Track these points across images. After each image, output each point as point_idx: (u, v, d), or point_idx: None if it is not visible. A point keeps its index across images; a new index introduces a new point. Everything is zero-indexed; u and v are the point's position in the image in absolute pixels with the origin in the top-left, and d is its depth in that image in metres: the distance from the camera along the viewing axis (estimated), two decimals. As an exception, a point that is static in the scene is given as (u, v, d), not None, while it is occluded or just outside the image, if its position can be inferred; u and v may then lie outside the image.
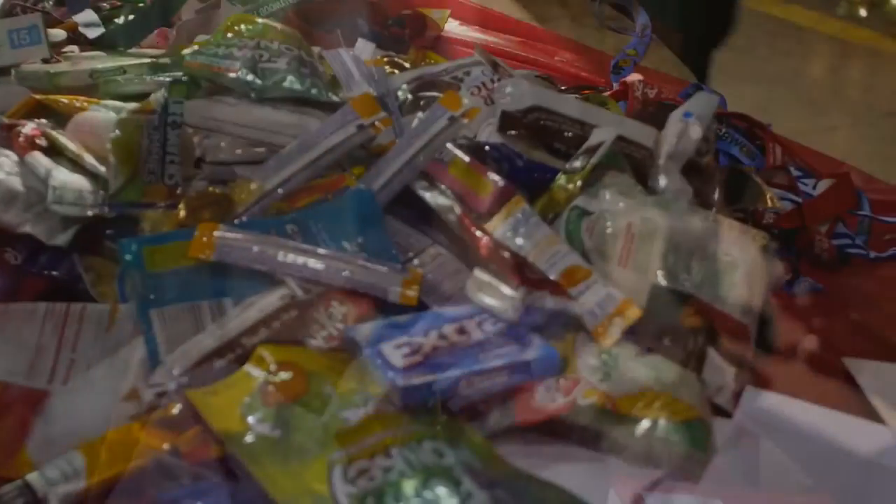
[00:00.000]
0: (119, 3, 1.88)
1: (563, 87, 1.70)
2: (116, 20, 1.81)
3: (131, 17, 1.81)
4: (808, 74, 5.33)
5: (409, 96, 1.35)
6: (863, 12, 4.93)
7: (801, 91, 4.98)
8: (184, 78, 1.25)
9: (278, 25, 1.40)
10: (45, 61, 1.54)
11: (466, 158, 1.20)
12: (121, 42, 1.65)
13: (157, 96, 1.22)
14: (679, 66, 2.02)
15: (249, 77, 1.27)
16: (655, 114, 1.51)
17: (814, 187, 1.46)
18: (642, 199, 1.17)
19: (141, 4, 1.85)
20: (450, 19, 1.99)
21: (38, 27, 1.54)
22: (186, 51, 1.35)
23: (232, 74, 1.28)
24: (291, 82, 1.27)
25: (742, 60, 5.05)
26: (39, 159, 1.22)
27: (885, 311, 1.32)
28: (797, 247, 1.38)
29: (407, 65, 1.46)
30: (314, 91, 1.27)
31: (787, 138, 1.73)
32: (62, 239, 1.15)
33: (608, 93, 1.60)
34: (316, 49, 1.47)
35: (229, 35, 1.37)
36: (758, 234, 1.18)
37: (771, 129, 1.68)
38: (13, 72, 1.49)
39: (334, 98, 1.27)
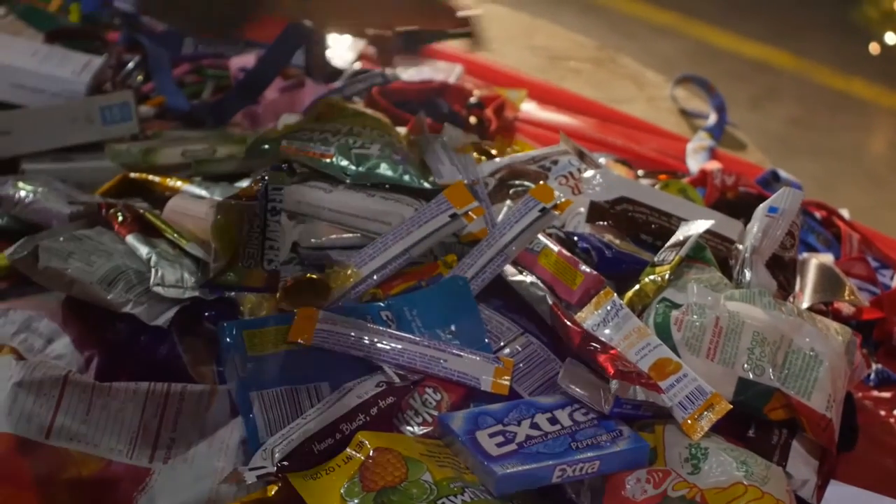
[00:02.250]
0: (201, 79, 1.92)
1: (640, 173, 1.73)
2: (202, 95, 1.86)
3: (217, 95, 1.85)
4: (870, 148, 5.34)
5: (497, 183, 1.38)
6: (924, 87, 4.94)
7: (863, 165, 4.99)
8: (283, 166, 1.28)
9: (368, 111, 1.43)
10: (135, 137, 1.58)
11: (556, 249, 1.23)
12: (209, 120, 1.69)
13: (258, 183, 1.25)
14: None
15: (344, 163, 1.31)
16: (735, 203, 1.54)
17: (892, 278, 1.48)
18: (729, 293, 1.19)
19: (225, 81, 1.89)
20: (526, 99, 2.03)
21: (130, 104, 1.58)
22: (283, 135, 1.38)
23: (327, 160, 1.32)
24: (385, 169, 1.30)
25: (803, 134, 5.08)
26: (140, 241, 1.25)
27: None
28: (876, 337, 1.40)
29: (493, 151, 1.48)
30: (406, 178, 1.30)
31: (862, 225, 1.75)
32: (163, 320, 1.17)
33: (687, 179, 1.62)
34: (402, 131, 1.51)
35: (321, 120, 1.41)
36: (840, 329, 1.20)
37: (846, 218, 1.70)
38: (106, 148, 1.52)
39: (426, 185, 1.30)
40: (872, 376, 1.37)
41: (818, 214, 1.68)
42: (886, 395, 1.36)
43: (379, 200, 1.28)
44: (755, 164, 1.95)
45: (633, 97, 2.15)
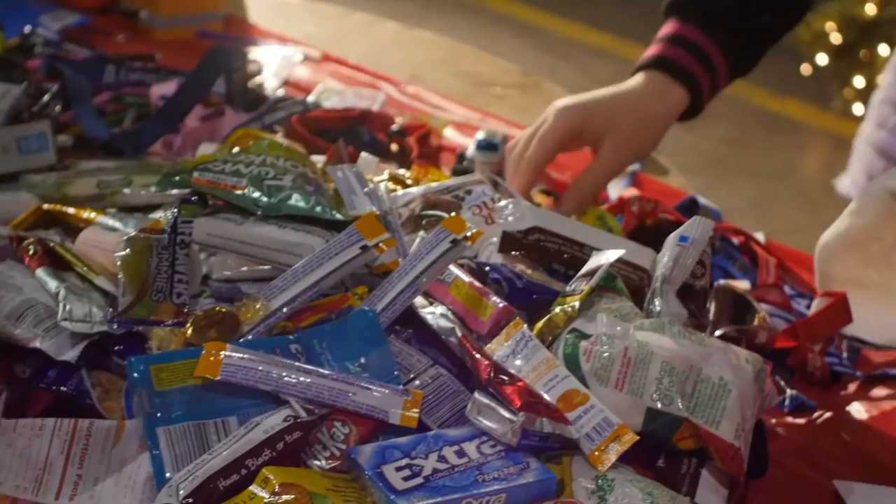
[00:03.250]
0: (122, 107, 1.91)
1: (561, 200, 1.74)
2: (122, 124, 1.85)
3: (137, 123, 1.84)
4: (803, 169, 5.39)
5: (414, 213, 1.38)
6: (856, 108, 4.99)
7: (797, 186, 5.04)
8: (193, 198, 1.27)
9: (283, 141, 1.43)
10: (52, 168, 1.57)
11: (467, 279, 1.23)
12: (127, 149, 1.68)
13: (167, 215, 1.25)
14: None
15: (256, 194, 1.30)
16: (652, 230, 1.54)
17: (807, 306, 1.49)
18: (639, 322, 1.19)
19: (146, 109, 1.89)
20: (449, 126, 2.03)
21: (46, 134, 1.57)
22: (195, 167, 1.37)
23: (238, 192, 1.31)
24: (297, 200, 1.30)
25: (738, 155, 5.12)
26: (49, 274, 1.25)
27: (874, 432, 1.34)
28: (790, 365, 1.41)
29: (409, 180, 1.49)
30: (318, 209, 1.30)
31: (787, 247, 1.77)
32: (71, 355, 1.17)
33: (605, 206, 1.63)
34: (318, 161, 1.51)
35: (235, 150, 1.40)
36: (750, 357, 1.21)
37: (762, 242, 1.71)
38: (21, 179, 1.51)
39: (338, 216, 1.30)
40: (787, 402, 1.38)
41: (736, 240, 1.69)
42: (800, 421, 1.37)
43: (290, 232, 1.28)
44: (678, 189, 1.96)
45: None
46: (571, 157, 1.96)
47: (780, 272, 1.63)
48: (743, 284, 1.56)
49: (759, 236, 1.72)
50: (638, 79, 1.67)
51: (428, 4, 6.36)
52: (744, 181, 4.82)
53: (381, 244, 1.23)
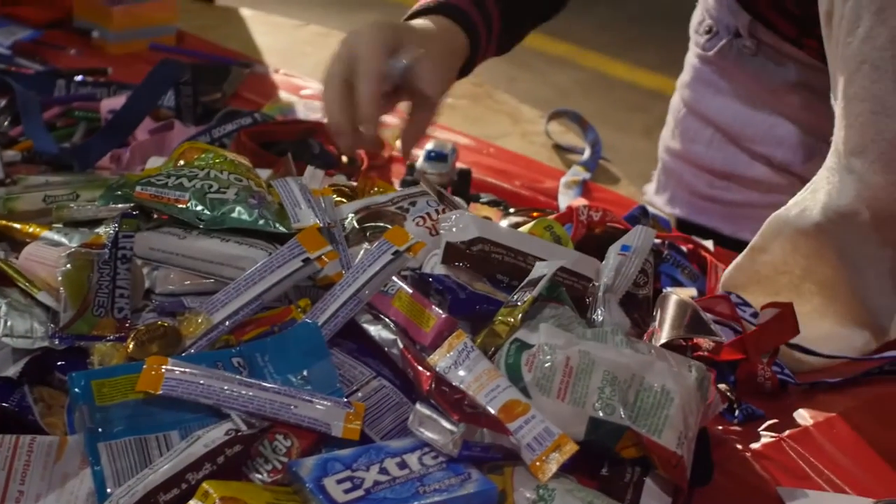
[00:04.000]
0: (73, 122, 1.91)
1: (511, 210, 1.74)
2: (72, 139, 1.85)
3: (87, 137, 1.84)
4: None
5: (356, 225, 1.38)
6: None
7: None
8: (134, 212, 1.27)
9: (228, 155, 1.43)
10: (0, 182, 1.57)
11: (410, 291, 1.24)
12: (75, 164, 1.67)
13: (108, 230, 1.25)
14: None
15: (198, 208, 1.30)
16: (600, 239, 1.55)
17: (753, 314, 1.49)
18: (581, 331, 1.20)
19: (96, 123, 1.89)
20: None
21: (-6, 150, 1.56)
22: (138, 181, 1.37)
23: (181, 205, 1.31)
24: (239, 213, 1.30)
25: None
26: (-10, 290, 1.25)
27: (818, 439, 1.35)
28: (738, 376, 1.41)
29: (349, 191, 1.49)
30: (261, 222, 1.30)
31: (733, 252, 1.77)
32: (12, 371, 1.17)
33: (554, 216, 1.63)
34: (264, 174, 1.50)
35: (181, 163, 1.40)
36: (694, 365, 1.21)
37: (713, 250, 1.72)
38: (-34, 195, 1.51)
39: (281, 229, 1.30)
40: (738, 414, 1.38)
41: (685, 248, 1.70)
42: (745, 428, 1.37)
43: (233, 245, 1.28)
44: (629, 199, 1.97)
45: (508, 132, 2.17)
46: (524, 169, 1.97)
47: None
48: (690, 292, 1.57)
49: (709, 244, 1.73)
50: (424, 20, 1.67)
51: (385, 16, 6.36)
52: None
53: (323, 256, 1.23)
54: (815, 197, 1.46)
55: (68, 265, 1.22)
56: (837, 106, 1.43)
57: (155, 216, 1.34)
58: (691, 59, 2.05)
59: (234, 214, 1.30)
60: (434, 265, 1.32)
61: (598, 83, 5.75)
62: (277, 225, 1.31)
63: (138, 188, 1.35)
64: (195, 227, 1.30)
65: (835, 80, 1.44)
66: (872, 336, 1.51)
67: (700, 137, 2.03)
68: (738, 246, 1.64)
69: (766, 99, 1.92)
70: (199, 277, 1.28)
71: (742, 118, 1.96)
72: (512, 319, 1.21)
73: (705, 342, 1.40)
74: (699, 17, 2.01)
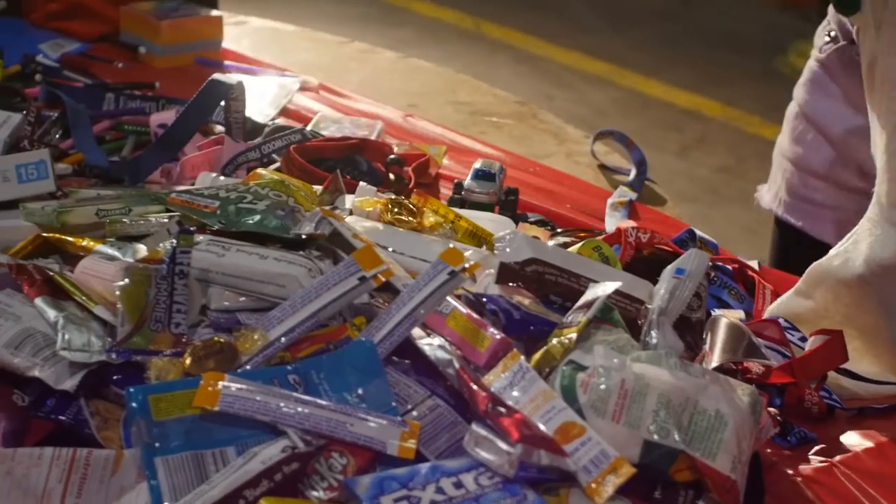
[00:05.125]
0: (121, 135, 1.92)
1: (559, 230, 1.74)
2: (121, 152, 1.86)
3: (136, 151, 1.86)
4: (797, 198, 5.38)
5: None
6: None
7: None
8: (191, 228, 1.28)
9: (286, 179, 1.45)
10: (52, 196, 1.58)
11: (465, 311, 1.24)
12: (126, 178, 1.69)
13: (166, 245, 1.25)
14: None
15: (223, 212, 1.36)
16: (648, 260, 1.55)
17: (802, 339, 1.49)
18: (635, 354, 1.20)
19: (145, 137, 1.90)
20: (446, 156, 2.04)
21: (46, 162, 1.57)
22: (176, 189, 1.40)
23: (208, 210, 1.36)
24: (256, 218, 1.36)
25: (733, 182, 5.13)
26: (48, 303, 1.25)
27: (869, 463, 1.35)
28: (785, 400, 1.41)
29: (412, 207, 1.50)
30: (272, 224, 1.36)
31: (778, 271, 1.78)
32: (69, 384, 1.17)
33: (602, 237, 1.64)
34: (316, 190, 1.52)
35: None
36: (746, 389, 1.21)
37: (760, 270, 1.72)
38: (21, 207, 1.52)
39: (287, 235, 1.36)
40: (792, 438, 1.38)
41: (730, 268, 1.70)
42: (796, 452, 1.37)
43: (272, 263, 1.29)
44: (675, 219, 1.97)
45: (553, 152, 2.17)
46: (570, 188, 1.98)
47: (775, 300, 1.63)
48: (738, 314, 1.56)
49: (753, 264, 1.73)
50: None
51: (424, 32, 6.38)
52: (738, 209, 4.82)
53: (378, 275, 1.24)
54: (857, 248, 1.46)
55: (126, 280, 1.23)
56: (879, 159, 1.43)
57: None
58: (811, 61, 2.06)
59: (252, 220, 1.32)
60: (488, 285, 1.33)
61: (635, 102, 5.73)
62: (291, 231, 1.36)
63: (173, 194, 1.40)
64: (232, 244, 1.31)
65: (876, 133, 1.44)
66: None
67: (804, 137, 2.05)
68: (806, 256, 1.64)
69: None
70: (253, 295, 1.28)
71: (844, 123, 1.97)
72: (567, 341, 1.21)
73: (755, 366, 1.40)
74: (825, 22, 2.03)
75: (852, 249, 1.47)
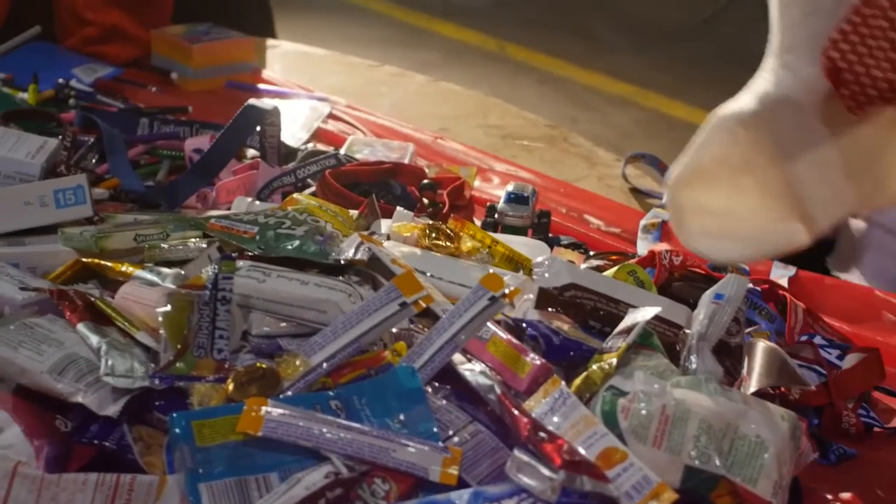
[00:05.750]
0: (156, 160, 1.94)
1: (591, 253, 1.75)
2: (156, 177, 1.87)
3: (171, 175, 1.87)
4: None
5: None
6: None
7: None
8: (233, 254, 1.29)
9: (315, 202, 1.46)
10: (89, 220, 1.59)
11: (505, 337, 1.25)
12: (163, 203, 1.70)
13: (208, 271, 1.26)
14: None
15: (261, 238, 1.38)
16: (682, 284, 1.56)
17: (839, 357, 1.49)
18: (675, 379, 1.20)
19: (180, 161, 1.91)
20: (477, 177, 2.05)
21: (84, 187, 1.58)
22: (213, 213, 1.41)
23: (248, 236, 1.39)
24: (295, 243, 1.37)
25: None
26: (90, 329, 1.26)
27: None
28: (824, 421, 1.41)
29: (450, 232, 1.51)
30: (311, 250, 1.37)
31: (811, 273, 1.78)
32: (113, 409, 1.18)
33: (636, 260, 1.64)
34: (353, 215, 1.53)
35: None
36: (786, 414, 1.22)
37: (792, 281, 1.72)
38: (59, 232, 1.53)
39: (327, 260, 1.37)
40: (831, 456, 1.38)
41: (759, 289, 1.70)
42: (835, 476, 1.37)
43: (313, 288, 1.29)
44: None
45: (585, 175, 2.18)
46: (602, 211, 1.98)
47: (808, 319, 1.63)
48: (765, 334, 1.56)
49: (783, 281, 1.73)
50: None
51: (448, 54, 6.39)
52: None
53: (420, 301, 1.24)
54: (752, 89, 1.47)
55: (169, 306, 1.24)
56: (773, 12, 1.45)
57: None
58: None
59: (287, 243, 1.36)
60: (527, 310, 1.33)
61: (659, 123, 5.73)
62: (330, 256, 1.37)
63: (213, 220, 1.42)
64: (273, 269, 1.32)
65: None
66: (805, 228, 1.50)
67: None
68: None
69: None
70: (294, 320, 1.29)
71: None
72: (607, 366, 1.21)
73: (793, 389, 1.40)
74: None
75: (747, 94, 1.48)
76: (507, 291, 1.24)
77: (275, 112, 1.87)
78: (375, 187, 1.81)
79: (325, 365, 1.20)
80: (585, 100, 5.82)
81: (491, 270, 1.43)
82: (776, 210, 1.52)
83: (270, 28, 2.90)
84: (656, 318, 1.31)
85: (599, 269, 1.60)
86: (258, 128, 1.87)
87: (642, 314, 1.27)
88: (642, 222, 1.96)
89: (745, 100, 1.50)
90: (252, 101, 1.87)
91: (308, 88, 2.43)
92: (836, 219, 1.53)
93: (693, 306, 1.41)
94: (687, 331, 1.33)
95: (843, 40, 1.38)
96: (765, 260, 1.69)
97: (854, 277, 2.06)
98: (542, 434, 1.12)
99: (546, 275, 1.36)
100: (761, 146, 1.50)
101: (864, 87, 1.38)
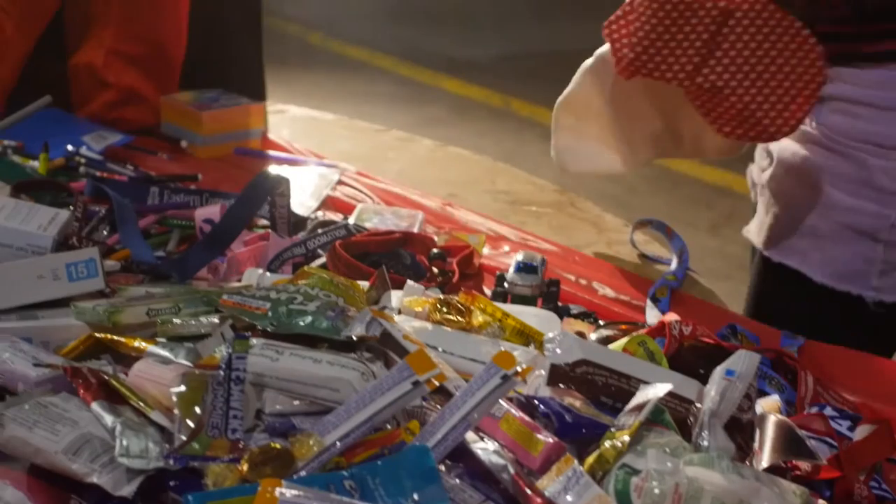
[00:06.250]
0: (166, 229, 1.95)
1: (601, 322, 1.75)
2: (167, 247, 1.88)
3: (182, 245, 1.88)
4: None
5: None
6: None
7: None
8: (247, 333, 1.30)
9: (325, 275, 1.47)
10: (101, 293, 1.60)
11: (518, 415, 1.25)
12: (174, 275, 1.70)
13: (221, 351, 1.27)
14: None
15: (274, 314, 1.39)
16: (692, 354, 1.56)
17: (849, 428, 1.49)
18: (688, 457, 1.21)
19: (190, 231, 1.92)
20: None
21: (96, 261, 1.59)
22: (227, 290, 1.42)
23: (260, 312, 1.40)
24: (307, 319, 1.38)
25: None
26: (105, 408, 1.26)
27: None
28: (836, 494, 1.41)
29: (461, 307, 1.52)
30: (322, 325, 1.38)
31: (824, 344, 1.79)
32: (128, 490, 1.18)
33: (645, 330, 1.64)
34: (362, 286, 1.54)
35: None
36: (798, 490, 1.22)
37: (799, 359, 1.72)
38: (72, 306, 1.53)
39: (338, 336, 1.38)
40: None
41: (769, 358, 1.70)
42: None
43: (325, 366, 1.30)
44: (716, 307, 1.97)
45: (593, 241, 2.19)
46: (611, 278, 1.99)
47: (818, 389, 1.63)
48: (774, 401, 1.56)
49: (793, 351, 1.73)
50: None
51: (453, 110, 6.43)
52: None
53: (432, 379, 1.25)
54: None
55: (183, 386, 1.24)
56: None
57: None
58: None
59: (304, 322, 1.37)
60: (538, 386, 1.34)
61: (665, 179, 5.74)
62: (342, 332, 1.38)
63: (225, 296, 1.43)
64: (286, 347, 1.33)
65: None
66: (621, 160, 2.18)
67: None
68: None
69: None
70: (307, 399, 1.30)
71: None
72: (620, 444, 1.22)
73: (803, 464, 1.40)
74: None
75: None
76: (519, 369, 1.25)
77: (285, 182, 1.89)
78: (385, 257, 1.82)
79: (338, 444, 1.20)
80: (590, 155, 5.83)
81: (502, 346, 1.44)
82: (604, 140, 2.15)
83: (261, 90, 2.90)
84: (668, 393, 1.32)
85: (609, 338, 1.61)
86: (268, 198, 1.88)
87: (654, 391, 1.27)
88: (651, 292, 1.96)
89: (598, 51, 2.03)
90: (264, 170, 1.88)
91: (318, 154, 2.44)
92: (641, 160, 2.24)
93: (701, 376, 1.42)
94: (698, 405, 1.33)
95: (615, 21, 1.96)
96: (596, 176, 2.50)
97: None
98: (555, 513, 1.13)
99: (557, 350, 1.36)
100: (598, 90, 2.07)
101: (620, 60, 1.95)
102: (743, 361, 1.34)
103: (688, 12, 1.90)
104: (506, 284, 1.82)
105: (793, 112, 1.93)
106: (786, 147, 2.08)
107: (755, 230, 2.18)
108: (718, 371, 1.35)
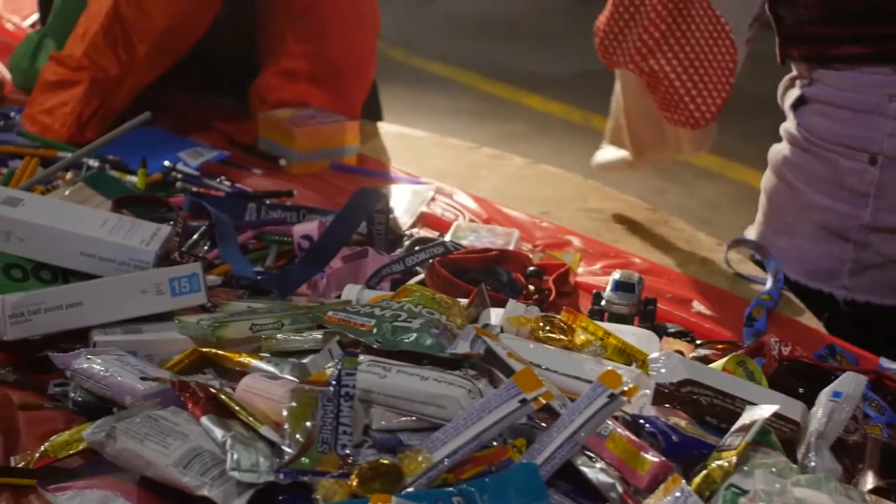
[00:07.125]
0: (264, 244, 1.97)
1: (699, 342, 1.75)
2: (265, 262, 1.90)
3: (279, 261, 1.90)
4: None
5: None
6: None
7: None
8: (356, 350, 1.31)
9: (429, 293, 1.49)
10: (203, 308, 1.62)
11: (624, 433, 1.26)
12: (276, 291, 1.72)
13: (330, 367, 1.28)
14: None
15: (379, 331, 1.41)
16: (791, 374, 1.56)
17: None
18: (795, 478, 1.21)
19: (288, 246, 1.94)
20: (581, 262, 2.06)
21: (198, 276, 1.61)
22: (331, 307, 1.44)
23: (365, 329, 1.42)
24: (415, 339, 1.40)
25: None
26: (215, 423, 1.28)
27: None
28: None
29: (564, 325, 1.52)
30: (427, 343, 1.40)
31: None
32: (238, 503, 1.20)
33: (744, 349, 1.64)
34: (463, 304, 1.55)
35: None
36: (905, 513, 1.22)
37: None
38: (176, 321, 1.55)
39: (443, 354, 1.40)
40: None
41: (868, 379, 1.69)
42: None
43: (433, 384, 1.31)
44: (814, 328, 1.97)
45: (687, 261, 2.18)
46: (706, 297, 1.98)
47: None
48: (878, 426, 1.56)
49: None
50: None
51: (534, 126, 6.44)
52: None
53: (539, 397, 1.25)
54: None
55: (293, 402, 1.26)
56: None
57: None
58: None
59: (408, 339, 1.39)
60: (644, 405, 1.34)
61: (745, 195, 5.69)
62: (446, 350, 1.40)
63: (330, 312, 1.46)
64: (393, 364, 1.35)
65: None
66: (632, 154, 2.40)
67: None
68: None
69: None
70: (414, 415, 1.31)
71: None
72: (727, 464, 1.22)
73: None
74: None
75: None
76: (625, 388, 1.25)
77: (384, 198, 1.90)
78: (482, 274, 1.83)
79: (446, 461, 1.21)
80: (672, 171, 5.82)
81: (605, 364, 1.44)
82: (619, 138, 2.41)
83: (377, 110, 2.93)
84: (773, 414, 1.32)
85: (707, 358, 1.61)
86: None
87: (760, 412, 1.27)
88: (747, 312, 1.96)
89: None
90: (364, 187, 1.90)
91: (411, 173, 2.45)
92: (643, 157, 2.41)
93: (801, 396, 1.42)
94: (805, 426, 1.33)
95: (604, 23, 2.15)
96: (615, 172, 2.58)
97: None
98: (664, 532, 1.13)
99: (662, 370, 1.37)
100: (620, 89, 2.35)
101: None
102: (850, 383, 1.34)
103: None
104: (603, 303, 1.82)
105: (713, 99, 2.15)
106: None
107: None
108: (825, 393, 1.35)
